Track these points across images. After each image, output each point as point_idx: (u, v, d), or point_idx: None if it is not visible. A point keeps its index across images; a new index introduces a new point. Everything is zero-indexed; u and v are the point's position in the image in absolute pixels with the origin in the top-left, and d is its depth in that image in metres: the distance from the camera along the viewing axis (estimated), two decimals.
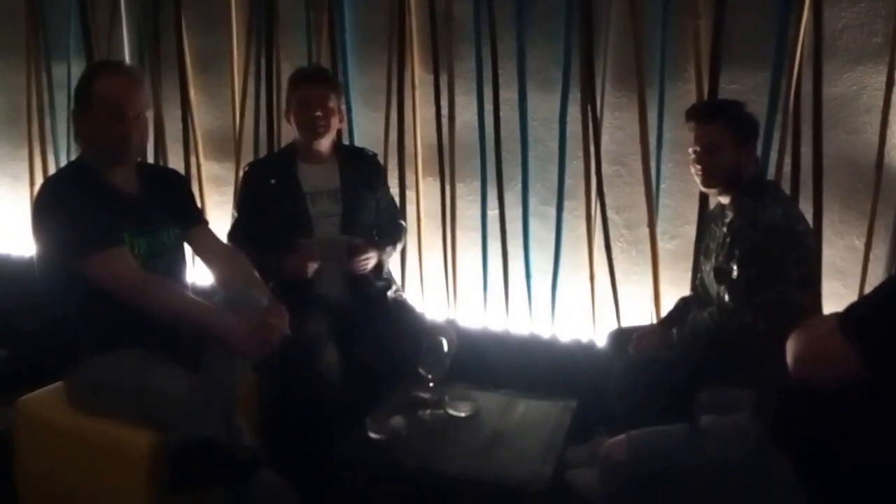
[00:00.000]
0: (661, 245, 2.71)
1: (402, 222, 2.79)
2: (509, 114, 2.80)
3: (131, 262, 1.96)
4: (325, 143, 2.55)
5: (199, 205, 2.50)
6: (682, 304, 2.45)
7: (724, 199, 2.27)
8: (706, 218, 2.50)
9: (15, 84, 3.49)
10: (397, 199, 2.87)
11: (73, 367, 2.02)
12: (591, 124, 2.67)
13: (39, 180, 3.40)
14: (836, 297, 2.48)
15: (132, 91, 2.04)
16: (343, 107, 2.69)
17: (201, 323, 1.93)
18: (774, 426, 1.63)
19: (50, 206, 1.98)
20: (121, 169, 2.07)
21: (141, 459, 1.88)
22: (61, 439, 2.02)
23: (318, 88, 2.51)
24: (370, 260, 2.50)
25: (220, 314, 1.95)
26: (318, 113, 2.48)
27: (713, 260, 2.26)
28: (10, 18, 3.43)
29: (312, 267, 2.43)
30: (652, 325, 2.57)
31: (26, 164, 3.51)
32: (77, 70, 3.29)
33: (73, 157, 2.22)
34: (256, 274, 2.18)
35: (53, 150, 3.47)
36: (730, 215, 2.23)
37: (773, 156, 2.52)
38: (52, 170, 3.40)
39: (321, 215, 2.53)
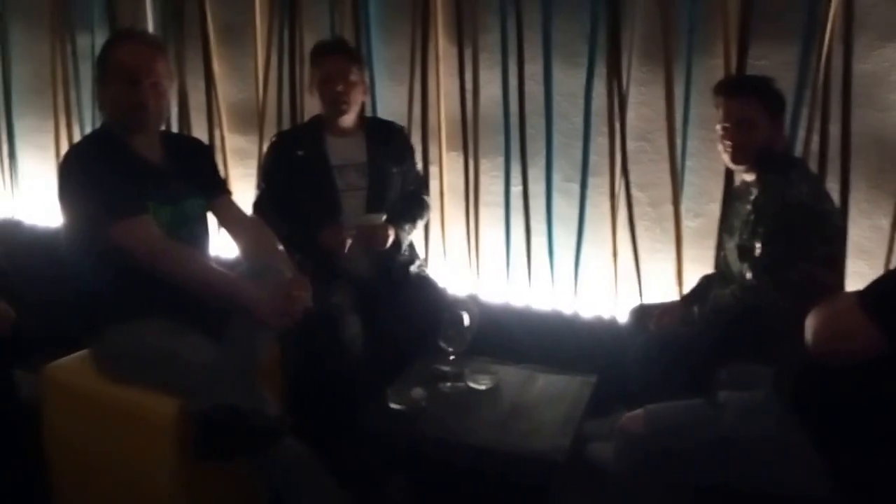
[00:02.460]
0: (686, 223, 2.69)
1: (427, 198, 2.79)
2: (534, 88, 2.78)
3: (156, 230, 1.97)
4: (350, 117, 2.56)
5: (222, 176, 2.51)
6: (705, 282, 2.44)
7: (750, 177, 2.25)
8: (731, 194, 2.48)
9: (40, 55, 3.52)
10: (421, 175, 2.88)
11: (99, 335, 2.04)
12: (616, 100, 2.65)
13: (64, 152, 3.43)
14: (860, 276, 2.46)
15: (148, 58, 2.03)
16: (367, 78, 2.68)
17: (225, 292, 1.95)
18: (794, 402, 1.63)
19: (75, 174, 1.99)
20: (144, 137, 2.08)
21: (167, 426, 1.91)
22: (88, 406, 2.05)
23: (339, 62, 2.51)
24: (390, 237, 2.52)
25: (245, 284, 1.96)
26: (340, 87, 2.49)
27: (737, 237, 2.25)
28: None
29: (348, 243, 2.45)
30: (673, 301, 2.56)
31: (52, 136, 3.54)
32: (101, 41, 3.29)
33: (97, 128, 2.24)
34: (280, 246, 2.20)
35: (79, 121, 3.50)
36: (755, 192, 2.21)
37: (801, 133, 2.49)
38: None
39: (347, 188, 2.54)
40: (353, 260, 2.52)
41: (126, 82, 2.00)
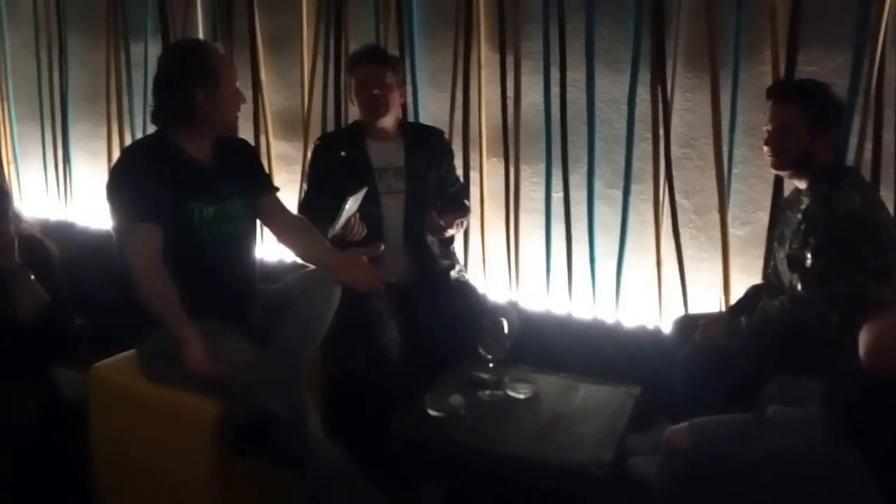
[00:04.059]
0: (732, 231, 2.64)
1: (467, 203, 2.80)
2: (576, 95, 2.76)
3: (150, 245, 2.00)
4: (388, 121, 2.60)
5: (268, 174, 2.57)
6: (753, 292, 2.38)
7: (801, 185, 2.19)
8: (782, 203, 2.42)
9: (95, 63, 3.62)
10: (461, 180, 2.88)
11: (144, 336, 2.09)
12: (660, 106, 2.61)
13: (116, 157, 3.52)
14: None
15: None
16: (403, 81, 2.71)
17: (168, 328, 1.97)
18: (845, 419, 1.58)
19: (119, 177, 2.07)
20: (198, 140, 2.13)
21: (207, 427, 1.95)
22: (131, 405, 2.10)
23: (373, 68, 2.56)
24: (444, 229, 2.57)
25: (184, 330, 1.96)
26: (376, 91, 2.53)
27: (787, 247, 2.20)
28: None
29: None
30: (720, 312, 2.51)
31: (105, 142, 3.64)
32: (154, 50, 3.38)
33: (148, 135, 2.30)
34: (325, 239, 2.24)
35: (130, 128, 3.59)
36: (805, 202, 2.15)
37: (854, 141, 2.42)
38: None
39: (386, 191, 2.58)
40: (391, 263, 2.53)
41: (234, 86, 2.12)
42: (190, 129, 2.10)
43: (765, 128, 2.18)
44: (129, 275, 1.99)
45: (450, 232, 2.61)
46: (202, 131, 2.12)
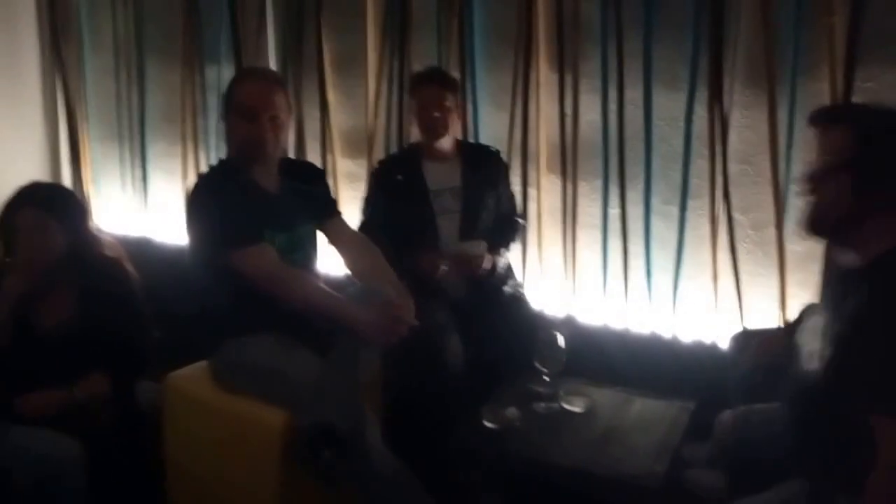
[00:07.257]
0: (790, 247, 2.63)
1: (521, 220, 2.84)
2: (634, 113, 2.79)
3: (273, 257, 2.11)
4: (446, 142, 2.67)
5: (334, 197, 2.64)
6: (809, 313, 2.35)
7: None
8: None
9: (171, 86, 3.77)
10: (519, 197, 2.93)
11: (216, 347, 2.19)
12: (717, 123, 2.63)
13: (191, 176, 3.67)
14: None
15: (267, 94, 2.15)
16: (461, 104, 2.78)
17: (334, 314, 2.06)
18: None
19: (202, 203, 2.16)
20: (263, 168, 2.21)
21: (275, 436, 2.02)
22: (203, 414, 2.19)
23: (433, 91, 2.63)
24: (486, 265, 2.60)
25: (351, 307, 2.07)
26: (437, 114, 2.61)
27: None
28: (168, 24, 3.72)
29: (443, 270, 2.54)
30: (777, 329, 2.49)
31: (179, 161, 3.79)
32: (227, 74, 3.53)
33: (221, 155, 2.41)
34: (387, 263, 2.29)
35: (205, 147, 3.72)
36: None
37: None
38: (202, 166, 3.64)
39: (443, 212, 2.65)
40: (449, 284, 2.60)
41: (245, 118, 2.14)
42: (244, 158, 2.19)
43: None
44: (264, 290, 2.06)
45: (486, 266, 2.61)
46: (255, 160, 2.18)
